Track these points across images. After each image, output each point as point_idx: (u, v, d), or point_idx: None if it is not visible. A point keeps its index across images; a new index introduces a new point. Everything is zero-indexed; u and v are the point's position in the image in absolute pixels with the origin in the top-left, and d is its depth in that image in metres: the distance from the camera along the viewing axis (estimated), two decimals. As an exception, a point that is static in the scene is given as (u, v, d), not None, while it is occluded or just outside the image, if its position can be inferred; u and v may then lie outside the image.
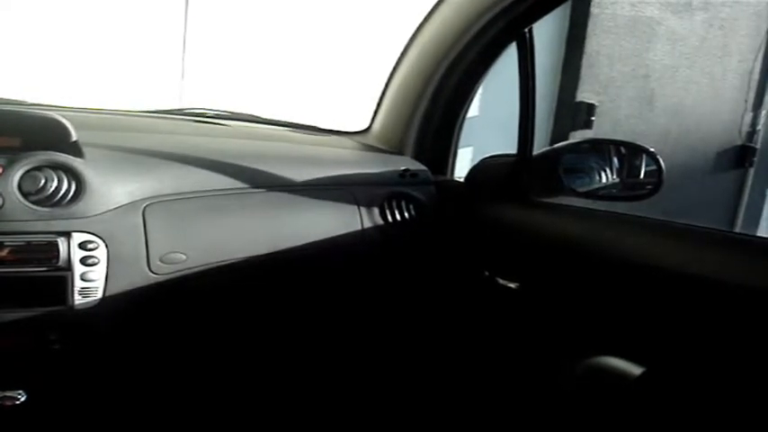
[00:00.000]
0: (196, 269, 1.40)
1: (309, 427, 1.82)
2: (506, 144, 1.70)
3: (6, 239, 1.24)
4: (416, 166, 1.75)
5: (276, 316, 1.70)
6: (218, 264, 1.42)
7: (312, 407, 1.81)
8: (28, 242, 1.25)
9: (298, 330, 1.75)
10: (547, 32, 4.39)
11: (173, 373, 1.71)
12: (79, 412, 1.60)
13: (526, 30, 1.60)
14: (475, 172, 1.75)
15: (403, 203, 1.67)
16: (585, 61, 4.49)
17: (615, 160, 1.64)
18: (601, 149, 1.66)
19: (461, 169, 1.87)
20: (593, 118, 4.55)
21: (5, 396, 1.35)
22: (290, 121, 1.97)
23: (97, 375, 1.55)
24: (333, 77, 3.62)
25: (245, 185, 1.50)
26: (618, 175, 1.63)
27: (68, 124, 1.35)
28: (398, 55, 1.82)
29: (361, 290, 1.72)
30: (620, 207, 1.55)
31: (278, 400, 1.80)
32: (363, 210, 1.60)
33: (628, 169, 1.62)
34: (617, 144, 1.65)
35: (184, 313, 1.55)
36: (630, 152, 1.62)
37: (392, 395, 1.84)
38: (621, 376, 1.37)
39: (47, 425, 1.51)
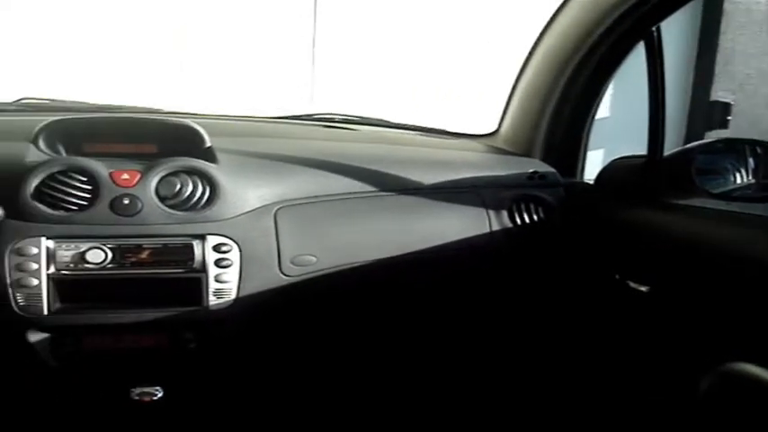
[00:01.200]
0: (326, 271, 1.41)
1: (433, 423, 1.80)
2: (640, 146, 1.63)
3: (145, 242, 1.29)
4: (545, 168, 1.72)
5: (403, 318, 1.69)
6: (348, 266, 1.43)
7: (438, 405, 1.80)
8: (165, 245, 1.29)
9: (423, 332, 1.73)
10: (677, 30, 4.22)
11: (301, 372, 1.73)
12: (211, 409, 1.65)
13: (654, 28, 1.53)
14: (604, 173, 1.70)
15: (531, 206, 1.63)
16: (720, 58, 4.29)
17: (751, 160, 1.55)
18: (735, 149, 1.57)
19: (591, 171, 1.81)
20: (728, 117, 4.34)
21: (144, 392, 1.41)
22: (418, 124, 1.96)
23: (229, 373, 1.59)
24: (461, 80, 3.58)
25: (374, 189, 1.50)
26: (753, 176, 1.54)
27: (203, 131, 1.39)
28: (525, 57, 1.79)
29: (488, 292, 1.69)
30: (757, 209, 1.46)
31: (401, 399, 1.79)
32: (491, 212, 1.58)
33: (764, 170, 1.53)
34: (753, 144, 1.56)
35: (314, 314, 1.56)
36: (767, 152, 1.53)
37: (520, 398, 1.80)
38: (760, 384, 1.29)
39: (181, 420, 1.56)
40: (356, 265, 1.44)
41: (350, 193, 1.48)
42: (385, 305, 1.63)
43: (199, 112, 1.79)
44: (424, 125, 1.98)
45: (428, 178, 1.56)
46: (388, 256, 1.46)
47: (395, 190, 1.52)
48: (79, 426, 1.55)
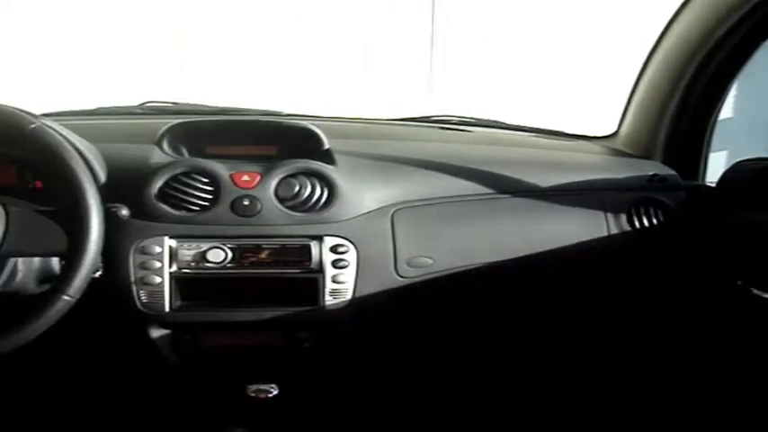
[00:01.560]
0: (441, 273, 1.40)
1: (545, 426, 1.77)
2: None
3: (264, 242, 1.31)
4: (665, 170, 1.65)
5: (516, 321, 1.67)
6: (463, 268, 1.41)
7: (551, 408, 1.77)
8: (283, 245, 1.31)
9: (536, 336, 1.71)
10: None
11: (413, 373, 1.72)
12: (324, 407, 1.66)
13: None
14: (728, 176, 1.62)
15: (651, 209, 1.57)
16: None
17: None
18: None
19: (713, 174, 1.74)
20: None
21: (259, 389, 1.43)
22: (536, 126, 1.93)
23: (342, 373, 1.60)
24: (579, 82, 3.50)
25: (490, 191, 1.48)
26: None
27: (321, 133, 1.41)
28: (645, 57, 1.73)
29: (604, 297, 1.65)
30: None
31: (513, 401, 1.78)
32: (609, 216, 1.53)
33: None
34: None
35: (428, 316, 1.55)
36: None
37: (637, 406, 1.75)
38: None
39: (295, 418, 1.57)
40: (471, 267, 1.42)
41: (466, 195, 1.47)
42: (499, 308, 1.61)
43: (318, 115, 1.80)
44: (541, 127, 1.95)
45: (545, 181, 1.53)
46: (504, 259, 1.44)
47: (511, 192, 1.50)
48: (196, 419, 1.58)
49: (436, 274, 1.40)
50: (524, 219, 1.48)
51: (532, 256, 1.45)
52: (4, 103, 1.13)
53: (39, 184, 1.33)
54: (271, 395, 1.42)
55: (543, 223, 1.49)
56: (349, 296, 1.33)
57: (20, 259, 1.19)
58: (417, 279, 1.39)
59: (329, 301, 1.33)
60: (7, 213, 1.08)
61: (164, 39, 3.60)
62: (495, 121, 1.94)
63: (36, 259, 1.24)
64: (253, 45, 3.63)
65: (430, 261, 1.39)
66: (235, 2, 3.66)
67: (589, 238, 1.50)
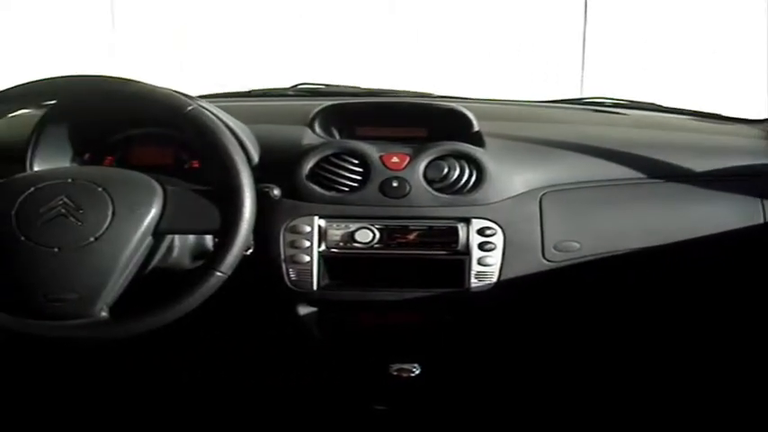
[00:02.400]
0: (589, 258, 1.36)
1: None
2: None
3: (411, 224, 1.30)
4: None
5: (664, 309, 1.60)
6: (611, 254, 1.36)
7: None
8: (430, 227, 1.30)
9: (685, 325, 1.64)
10: None
11: (557, 357, 1.70)
12: (466, 388, 1.65)
13: None
14: None
15: None
16: None
17: None
18: None
19: None
20: None
21: (402, 368, 1.43)
22: (691, 109, 1.85)
23: (485, 355, 1.58)
24: (738, 64, 3.31)
25: (642, 175, 1.42)
26: None
27: (471, 115, 1.39)
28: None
29: (758, 287, 1.55)
30: None
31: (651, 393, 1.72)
32: (767, 203, 1.44)
33: None
34: None
35: (574, 301, 1.52)
36: None
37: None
38: None
39: (436, 398, 1.58)
40: (620, 253, 1.37)
41: (617, 179, 1.41)
42: (646, 295, 1.55)
43: (468, 97, 1.79)
44: (696, 110, 1.86)
45: (700, 165, 1.45)
46: (653, 245, 1.37)
47: (664, 177, 1.43)
48: (340, 396, 1.61)
49: (583, 259, 1.36)
50: (676, 204, 1.41)
51: (683, 242, 1.38)
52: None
53: (195, 163, 1.39)
54: (413, 374, 1.41)
55: (696, 209, 1.42)
56: (494, 279, 1.31)
57: (176, 236, 1.23)
58: (564, 264, 1.35)
59: (475, 283, 1.31)
60: (165, 192, 1.12)
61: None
62: (649, 104, 1.86)
63: (191, 236, 1.28)
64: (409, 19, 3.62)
65: (577, 246, 1.35)
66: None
67: (744, 225, 1.42)
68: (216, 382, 1.76)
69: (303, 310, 1.38)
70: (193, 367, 1.74)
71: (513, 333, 1.50)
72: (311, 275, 1.30)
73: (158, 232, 1.11)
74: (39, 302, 1.05)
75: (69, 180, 1.12)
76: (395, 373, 1.41)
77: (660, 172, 1.43)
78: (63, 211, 1.08)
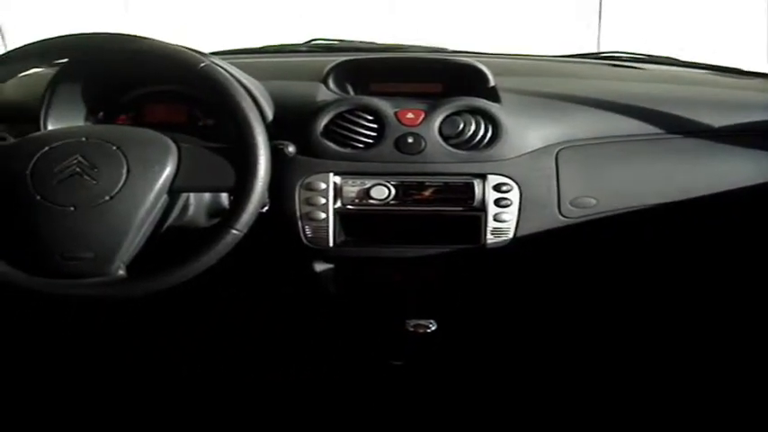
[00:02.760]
0: (605, 214, 1.35)
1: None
2: None
3: (427, 180, 1.29)
4: None
5: (679, 265, 1.60)
6: (628, 209, 1.35)
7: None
8: (446, 183, 1.29)
9: (697, 281, 1.64)
10: None
11: (571, 312, 1.71)
12: (482, 344, 1.67)
13: None
14: None
15: None
16: None
17: None
18: None
19: None
20: None
21: (418, 324, 1.43)
22: (711, 63, 1.81)
23: (501, 310, 1.60)
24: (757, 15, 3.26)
25: (660, 131, 1.40)
26: None
27: (487, 70, 1.37)
28: None
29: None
30: None
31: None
32: None
33: None
34: None
35: (590, 258, 1.51)
36: None
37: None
38: None
39: (452, 354, 1.59)
40: (637, 209, 1.36)
41: (635, 134, 1.39)
42: (663, 251, 1.54)
43: (483, 51, 1.77)
44: (716, 64, 1.82)
45: (719, 120, 1.43)
46: (671, 200, 1.36)
47: (682, 132, 1.41)
48: (357, 352, 1.62)
49: (600, 215, 1.35)
50: (694, 160, 1.40)
51: (701, 198, 1.37)
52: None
53: (209, 121, 1.38)
54: (429, 330, 1.41)
55: (714, 165, 1.40)
56: (510, 235, 1.31)
57: (191, 194, 1.23)
58: (580, 220, 1.34)
59: (490, 239, 1.30)
60: (179, 150, 1.12)
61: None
62: (667, 58, 1.83)
63: (207, 194, 1.28)
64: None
65: (594, 202, 1.34)
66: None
67: (763, 180, 1.40)
68: (233, 340, 1.78)
69: (319, 266, 1.38)
70: (211, 325, 1.74)
71: (528, 289, 1.51)
72: (327, 232, 1.30)
73: (173, 190, 1.10)
74: (55, 262, 1.06)
75: (83, 139, 1.11)
76: (411, 329, 1.41)
77: (678, 127, 1.41)
78: (78, 170, 1.08)
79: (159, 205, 1.10)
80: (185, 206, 1.22)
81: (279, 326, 1.73)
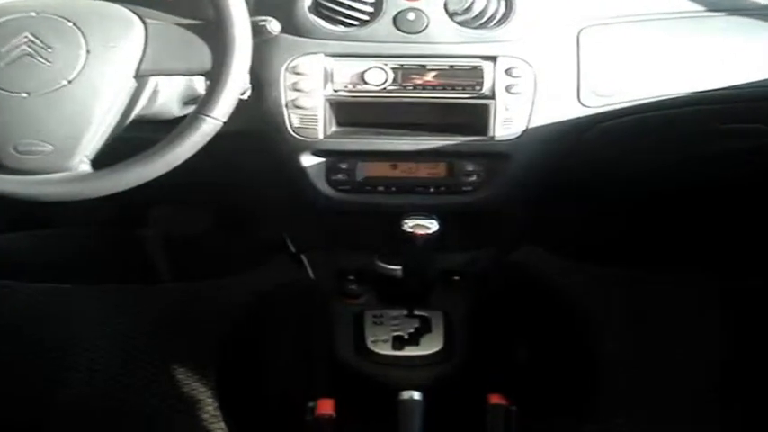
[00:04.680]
0: (629, 103, 1.24)
1: None
2: None
3: (430, 63, 1.18)
4: None
5: (712, 170, 1.53)
6: (657, 98, 1.24)
7: None
8: (451, 66, 1.18)
9: (730, 188, 1.58)
10: None
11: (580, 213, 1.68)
12: (483, 245, 1.61)
13: None
14: None
15: None
16: None
17: None
18: None
19: None
20: None
21: (418, 224, 1.32)
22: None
23: (506, 211, 1.50)
24: None
25: (699, 8, 1.27)
26: None
27: None
28: None
29: None
30: None
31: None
32: None
33: None
34: None
35: (609, 155, 1.41)
36: None
37: None
38: None
39: (454, 254, 1.55)
40: (665, 98, 1.24)
41: (668, 12, 1.26)
42: (694, 152, 1.45)
43: None
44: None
45: None
46: (708, 89, 1.24)
47: (726, 10, 1.27)
48: (352, 249, 1.57)
49: (622, 104, 1.24)
50: (739, 43, 1.26)
51: (739, 87, 1.25)
52: None
53: (178, -9, 1.24)
54: (430, 231, 1.31)
55: (762, 48, 1.26)
56: (523, 126, 1.20)
57: (161, 79, 1.10)
58: (601, 110, 1.23)
59: (500, 130, 1.20)
60: (146, 27, 0.99)
61: None
62: None
63: (179, 80, 1.15)
64: None
65: (618, 88, 1.23)
66: None
67: None
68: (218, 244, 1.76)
69: (308, 161, 1.27)
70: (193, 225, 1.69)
71: (539, 186, 1.41)
72: (316, 122, 1.20)
73: (140, 74, 0.99)
74: (9, 155, 0.96)
75: (33, 14, 0.99)
76: (409, 230, 1.31)
77: (718, 4, 1.28)
78: (28, 50, 0.96)
79: (124, 91, 0.98)
80: (154, 92, 1.09)
81: (268, 228, 1.73)
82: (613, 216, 1.80)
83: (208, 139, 0.97)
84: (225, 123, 0.98)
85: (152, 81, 1.07)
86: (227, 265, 2.01)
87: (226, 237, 2.02)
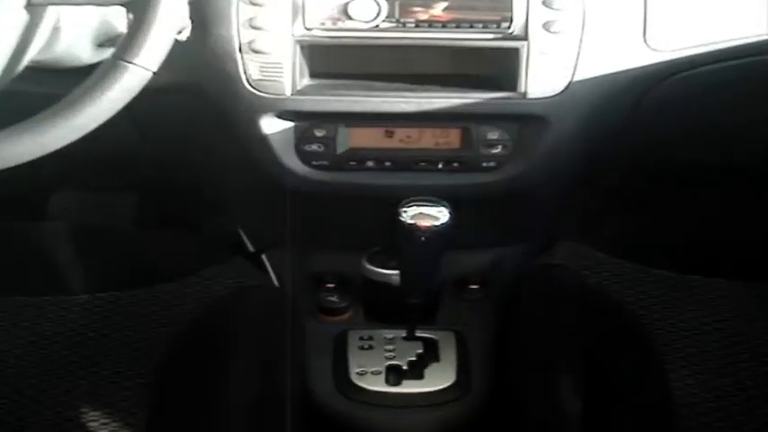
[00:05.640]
0: (700, 49, 1.23)
1: None
2: None
3: None
4: None
5: None
6: (727, 46, 1.23)
7: None
8: None
9: None
10: None
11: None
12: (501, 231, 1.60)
13: None
14: None
15: None
16: None
17: None
18: None
19: None
20: None
21: (419, 214, 1.29)
22: None
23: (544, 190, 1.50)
24: None
25: None
26: None
27: None
28: None
29: None
30: None
31: None
32: None
33: None
34: None
35: (685, 114, 1.41)
36: None
37: None
38: None
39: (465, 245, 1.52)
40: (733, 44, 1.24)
41: None
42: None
43: None
44: None
45: None
46: None
47: None
48: (329, 247, 1.58)
49: (694, 50, 1.23)
50: None
51: None
52: None
53: None
54: (437, 223, 1.29)
55: None
56: (566, 79, 1.20)
57: (65, 11, 1.06)
58: (677, 54, 1.23)
59: (535, 85, 1.20)
60: None
61: None
62: None
63: (90, 12, 1.12)
64: None
65: (690, 33, 1.22)
66: None
67: None
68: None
69: (271, 125, 1.27)
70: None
71: (585, 162, 1.42)
72: (282, 73, 1.19)
73: (32, 2, 0.95)
74: None
75: None
76: (410, 222, 1.29)
77: None
78: None
79: (12, 26, 0.95)
80: (56, 30, 1.06)
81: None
82: (682, 206, 1.81)
83: (131, 95, 0.94)
84: (155, 74, 0.94)
85: (51, 13, 1.03)
86: (161, 269, 1.97)
87: (159, 232, 1.99)
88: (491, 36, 1.18)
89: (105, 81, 0.92)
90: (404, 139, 1.29)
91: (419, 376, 1.53)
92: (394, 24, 1.17)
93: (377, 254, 1.50)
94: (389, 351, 1.57)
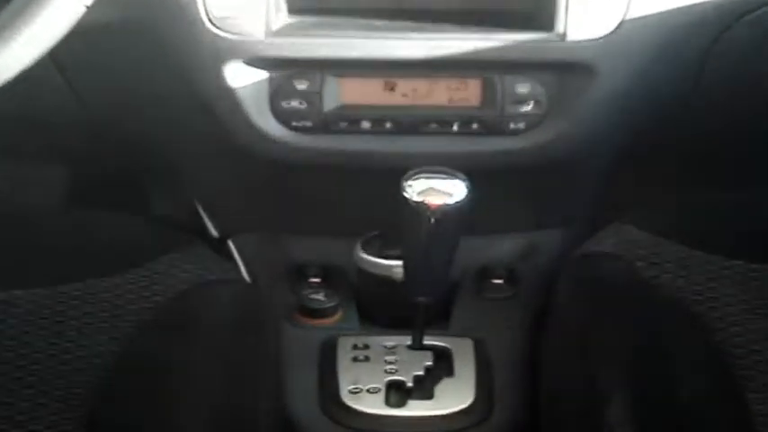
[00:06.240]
0: None
1: None
2: None
3: None
4: None
5: None
6: None
7: None
8: None
9: None
10: None
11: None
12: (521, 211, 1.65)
13: None
14: None
15: None
16: None
17: None
18: None
19: None
20: None
21: (432, 190, 1.25)
22: None
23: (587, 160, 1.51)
24: None
25: None
26: None
27: None
28: None
29: None
30: None
31: None
32: None
33: None
34: None
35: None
36: None
37: None
38: None
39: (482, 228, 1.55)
40: None
41: None
42: None
43: None
44: None
45: None
46: None
47: None
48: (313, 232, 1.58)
49: None
50: None
51: None
52: None
53: None
54: (451, 201, 1.24)
55: None
56: (618, 17, 1.17)
57: None
58: None
59: (577, 24, 1.18)
60: None
61: None
62: None
63: None
64: None
65: None
66: None
67: None
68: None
69: (239, 76, 1.23)
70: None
71: (638, 125, 1.41)
72: (253, 6, 1.16)
73: None
74: None
75: None
76: (416, 200, 1.25)
77: None
78: None
79: None
80: None
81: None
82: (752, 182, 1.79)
83: (63, 32, 0.90)
84: (88, 7, 0.90)
85: None
86: (101, 260, 1.92)
87: (98, 213, 1.94)
88: None
89: (25, 17, 0.87)
90: (409, 93, 1.27)
91: (428, 395, 1.48)
92: None
93: (374, 240, 1.46)
94: (390, 363, 1.52)
